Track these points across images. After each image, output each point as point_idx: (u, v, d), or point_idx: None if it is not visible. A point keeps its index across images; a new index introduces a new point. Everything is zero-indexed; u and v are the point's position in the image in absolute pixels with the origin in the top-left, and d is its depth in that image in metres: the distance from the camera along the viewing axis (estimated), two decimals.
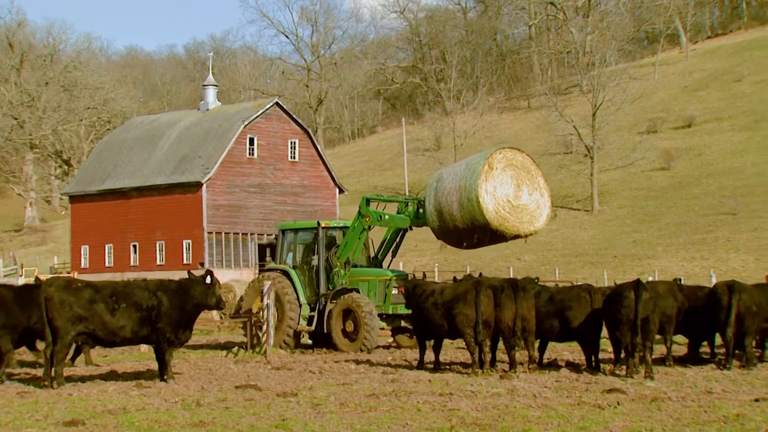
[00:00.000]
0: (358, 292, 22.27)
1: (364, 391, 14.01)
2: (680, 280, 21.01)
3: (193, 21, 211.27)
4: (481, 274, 20.35)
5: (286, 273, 23.18)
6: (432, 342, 18.19)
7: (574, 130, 74.27)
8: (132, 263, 58.12)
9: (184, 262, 54.94)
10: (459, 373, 16.62)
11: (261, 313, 22.55)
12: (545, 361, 18.13)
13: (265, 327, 20.65)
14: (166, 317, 15.45)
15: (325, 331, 22.31)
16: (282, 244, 24.02)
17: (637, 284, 15.99)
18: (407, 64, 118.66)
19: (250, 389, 14.32)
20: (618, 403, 12.34)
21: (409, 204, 23.26)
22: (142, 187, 58.43)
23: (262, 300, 21.55)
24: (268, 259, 25.92)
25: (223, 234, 56.79)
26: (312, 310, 22.89)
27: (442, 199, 21.61)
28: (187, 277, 16.16)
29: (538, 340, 17.79)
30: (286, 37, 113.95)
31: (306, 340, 24.13)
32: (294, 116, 62.50)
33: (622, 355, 16.48)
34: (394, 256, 23.64)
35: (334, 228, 23.82)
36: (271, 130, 59.63)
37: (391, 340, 24.58)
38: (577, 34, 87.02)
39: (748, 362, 16.97)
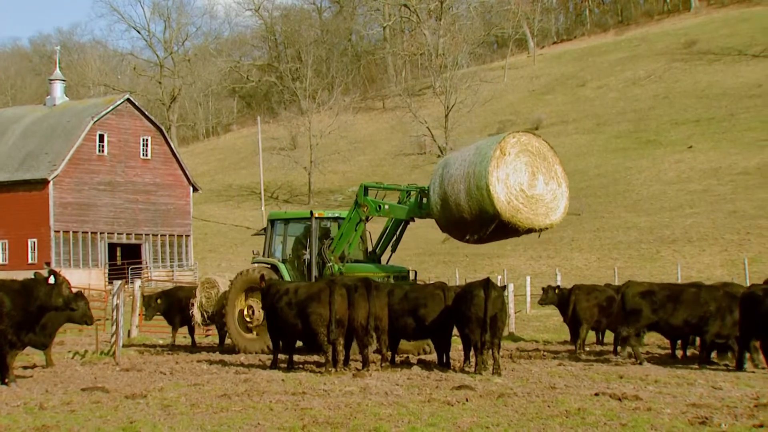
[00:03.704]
0: None
1: (215, 391, 13.82)
2: None
3: (38, 13, 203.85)
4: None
5: (275, 267, 20.91)
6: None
7: (427, 131, 75.37)
8: None
9: (30, 261, 53.25)
10: (312, 372, 16.63)
11: (248, 311, 20.94)
12: (397, 359, 18.37)
13: (114, 328, 20.09)
14: (7, 318, 14.86)
15: None
16: (271, 235, 21.60)
17: (486, 283, 16.35)
18: (263, 63, 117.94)
19: (97, 391, 13.91)
20: (467, 400, 12.60)
21: (412, 193, 20.57)
22: None
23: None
24: (255, 252, 23.24)
25: (71, 233, 55.26)
26: None
27: (448, 188, 18.96)
28: (31, 277, 15.62)
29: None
30: (138, 32, 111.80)
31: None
32: (146, 113, 61.36)
33: (471, 352, 16.86)
34: (393, 250, 21.23)
35: (328, 218, 21.63)
36: (122, 126, 58.33)
37: None
38: (429, 36, 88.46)
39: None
